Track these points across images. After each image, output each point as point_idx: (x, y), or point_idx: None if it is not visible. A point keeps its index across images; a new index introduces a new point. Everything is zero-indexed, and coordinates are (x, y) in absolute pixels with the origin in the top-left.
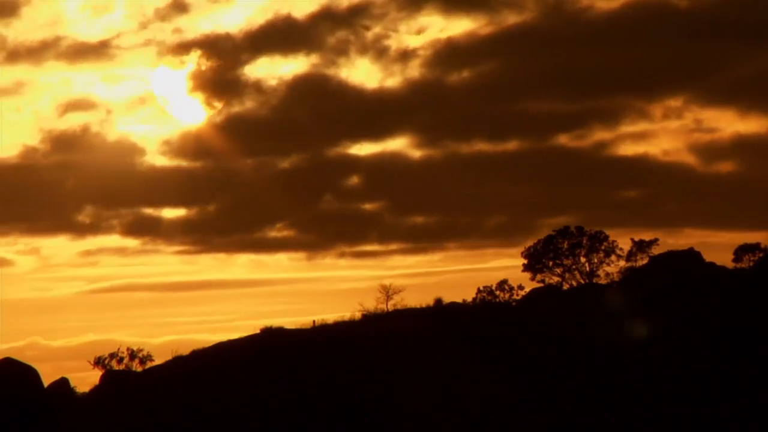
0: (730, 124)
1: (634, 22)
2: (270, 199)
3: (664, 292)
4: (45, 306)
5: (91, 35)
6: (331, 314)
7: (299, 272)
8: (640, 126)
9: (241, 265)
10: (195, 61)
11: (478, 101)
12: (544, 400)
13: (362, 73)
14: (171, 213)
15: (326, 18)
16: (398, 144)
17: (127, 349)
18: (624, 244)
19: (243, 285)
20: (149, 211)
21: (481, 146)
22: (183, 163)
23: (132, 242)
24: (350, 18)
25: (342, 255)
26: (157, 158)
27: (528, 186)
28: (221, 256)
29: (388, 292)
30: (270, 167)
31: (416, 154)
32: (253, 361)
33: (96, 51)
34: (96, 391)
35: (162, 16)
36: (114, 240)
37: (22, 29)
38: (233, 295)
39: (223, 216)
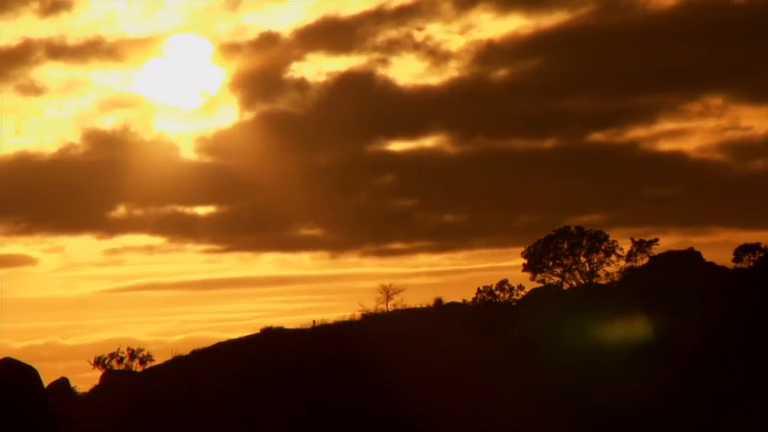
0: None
1: (677, 21)
2: (302, 197)
3: (664, 292)
4: (67, 304)
5: (136, 32)
6: (334, 314)
7: (324, 270)
8: (676, 124)
9: (268, 263)
10: (239, 59)
11: (516, 100)
12: (545, 400)
13: (404, 71)
14: (201, 211)
15: (371, 17)
16: (432, 142)
17: (128, 349)
18: (624, 244)
19: (270, 283)
20: (180, 209)
21: (516, 144)
22: (218, 161)
23: (160, 241)
24: (396, 17)
25: (368, 253)
26: (192, 157)
27: (560, 184)
28: (248, 254)
29: (388, 292)
30: (303, 166)
31: (449, 152)
32: (252, 361)
33: (139, 48)
34: (96, 391)
35: (208, 13)
36: (142, 239)
37: (67, 27)
38: (260, 293)
39: (252, 215)
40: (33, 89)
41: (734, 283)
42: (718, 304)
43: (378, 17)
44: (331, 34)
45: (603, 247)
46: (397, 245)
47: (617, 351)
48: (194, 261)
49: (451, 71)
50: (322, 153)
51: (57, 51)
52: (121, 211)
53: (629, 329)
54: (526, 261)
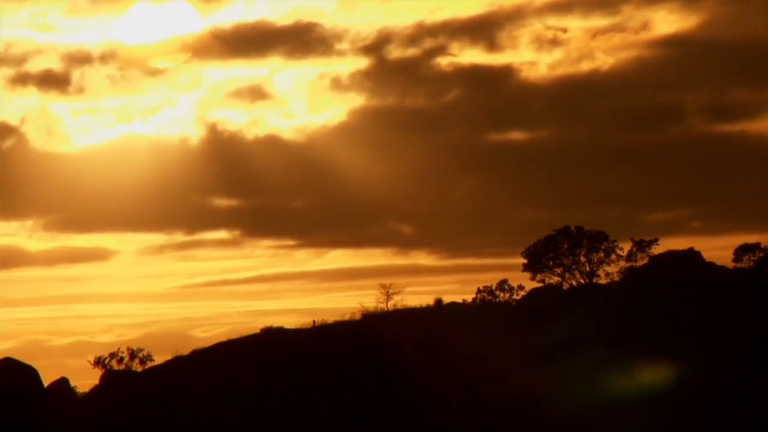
0: None
1: None
2: (391, 193)
3: (664, 292)
4: (134, 300)
5: (268, 27)
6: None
7: (391, 261)
8: None
9: (336, 257)
10: (357, 56)
11: (626, 95)
12: (544, 400)
13: (536, 68)
14: (285, 207)
15: (502, 14)
16: (533, 138)
17: (128, 349)
18: (624, 244)
19: (341, 277)
20: (266, 205)
21: (621, 139)
22: (317, 157)
23: (238, 236)
24: (535, 15)
25: (437, 250)
26: (296, 153)
27: (643, 180)
28: (323, 250)
29: (388, 292)
30: (400, 161)
31: (549, 149)
32: (253, 361)
33: (268, 43)
34: (96, 391)
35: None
36: (221, 234)
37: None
38: (331, 288)
39: (334, 210)
40: (155, 81)
41: (734, 283)
42: (718, 303)
43: (514, 14)
44: (457, 31)
45: (603, 247)
46: (469, 242)
47: (616, 351)
48: (266, 255)
49: (580, 67)
50: (422, 148)
51: (182, 44)
52: (206, 206)
53: (629, 328)
54: (526, 261)
